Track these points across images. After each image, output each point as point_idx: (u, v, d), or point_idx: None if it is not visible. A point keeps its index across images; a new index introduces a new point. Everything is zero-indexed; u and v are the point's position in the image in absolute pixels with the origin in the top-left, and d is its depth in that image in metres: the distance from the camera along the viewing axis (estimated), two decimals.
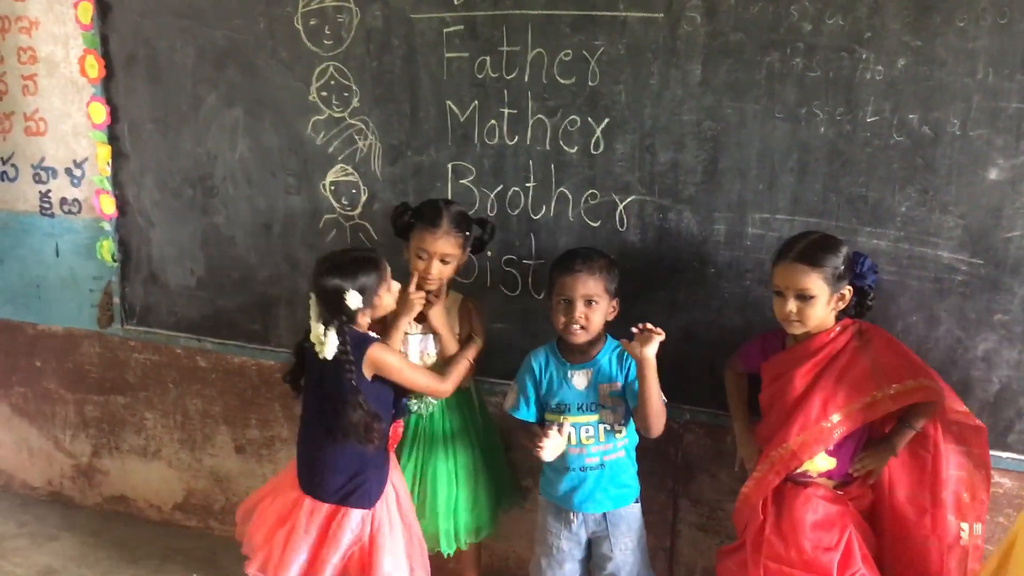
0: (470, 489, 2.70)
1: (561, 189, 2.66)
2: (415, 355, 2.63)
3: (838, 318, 2.29)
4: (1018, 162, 2.25)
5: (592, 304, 2.34)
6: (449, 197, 2.77)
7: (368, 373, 2.37)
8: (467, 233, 2.55)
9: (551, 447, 2.33)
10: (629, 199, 2.60)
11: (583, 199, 2.65)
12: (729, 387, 2.55)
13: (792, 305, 2.20)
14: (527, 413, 2.49)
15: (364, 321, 2.42)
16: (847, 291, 2.24)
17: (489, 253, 2.76)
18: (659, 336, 2.24)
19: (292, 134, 2.90)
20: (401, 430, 2.56)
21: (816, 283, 2.18)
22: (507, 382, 2.65)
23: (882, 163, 2.35)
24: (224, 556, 3.34)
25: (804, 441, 2.23)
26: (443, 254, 2.50)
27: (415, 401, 2.64)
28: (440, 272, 2.52)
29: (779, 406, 2.31)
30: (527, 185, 2.69)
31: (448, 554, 2.69)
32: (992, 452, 2.30)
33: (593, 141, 2.59)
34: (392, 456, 2.54)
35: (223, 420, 3.33)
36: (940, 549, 2.27)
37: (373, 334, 2.43)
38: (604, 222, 2.64)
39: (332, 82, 2.80)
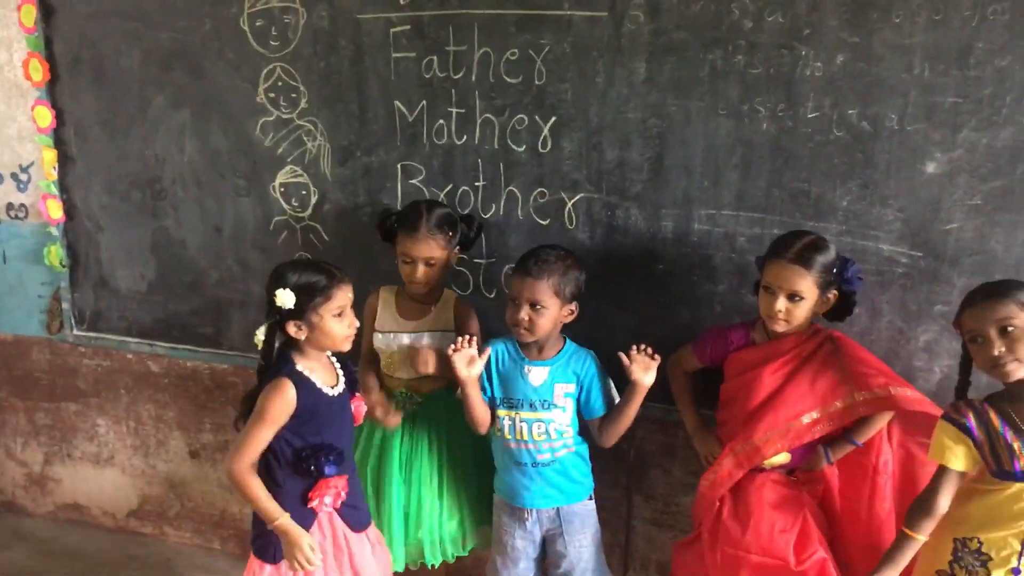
0: (455, 496, 2.66)
1: (510, 188, 2.67)
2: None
3: (815, 320, 2.32)
4: (955, 156, 2.29)
5: (538, 308, 2.34)
6: (399, 197, 2.76)
7: None
8: (451, 233, 2.53)
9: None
10: (577, 197, 2.62)
11: (532, 197, 2.66)
12: (679, 384, 2.56)
13: (781, 304, 2.21)
14: (485, 396, 2.48)
15: (301, 340, 2.17)
16: (832, 295, 2.26)
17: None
18: (656, 363, 2.28)
19: (240, 136, 2.88)
20: (329, 497, 2.23)
21: (808, 285, 2.20)
22: None
23: (823, 158, 2.38)
24: (180, 562, 3.33)
25: (770, 439, 2.25)
26: (426, 257, 2.49)
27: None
28: (426, 275, 2.51)
29: (744, 401, 2.33)
30: (476, 184, 2.70)
31: (433, 565, 2.65)
32: None
33: (541, 140, 2.60)
34: (324, 519, 2.28)
35: (177, 425, 3.30)
36: (889, 535, 2.31)
37: (301, 370, 2.18)
38: (553, 220, 2.66)
39: (280, 83, 2.79)
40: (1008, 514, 2.00)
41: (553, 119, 2.58)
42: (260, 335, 2.20)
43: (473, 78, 2.61)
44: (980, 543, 2.03)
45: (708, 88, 2.43)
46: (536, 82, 2.56)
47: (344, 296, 2.19)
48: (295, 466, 2.19)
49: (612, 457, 2.66)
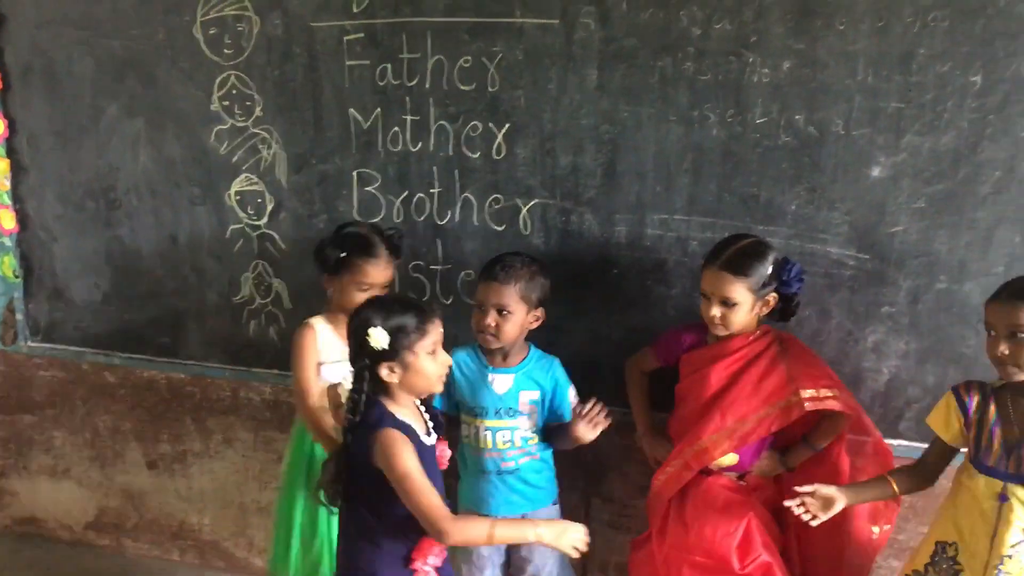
0: None
1: (465, 194, 2.68)
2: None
3: (763, 321, 2.34)
4: (898, 159, 2.34)
5: (504, 314, 2.35)
6: (355, 204, 2.77)
7: (373, 458, 1.92)
8: (399, 256, 2.52)
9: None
10: (532, 203, 2.64)
11: (487, 204, 2.67)
12: (635, 384, 2.58)
13: (716, 310, 2.24)
14: (437, 402, 2.46)
15: (393, 385, 1.98)
16: (772, 298, 2.27)
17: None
18: (605, 425, 2.32)
19: (195, 144, 2.87)
20: (433, 557, 2.00)
21: (739, 291, 2.22)
22: None
23: (772, 163, 2.42)
24: (137, 574, 3.29)
25: (717, 440, 2.27)
26: (384, 282, 2.45)
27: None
28: None
29: (693, 401, 2.36)
30: (432, 191, 2.71)
31: None
32: (885, 440, 2.38)
33: (495, 146, 2.62)
34: None
35: (134, 436, 3.28)
36: (848, 544, 2.34)
37: (401, 419, 1.98)
38: (508, 226, 2.67)
39: (234, 91, 2.79)
40: (978, 511, 2.04)
41: (507, 126, 2.60)
42: (347, 383, 2.00)
43: (427, 85, 2.62)
44: (957, 551, 2.07)
45: (658, 94, 2.46)
46: (490, 89, 2.58)
47: (437, 331, 2.00)
48: (400, 526, 1.94)
49: (570, 461, 2.67)
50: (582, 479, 2.84)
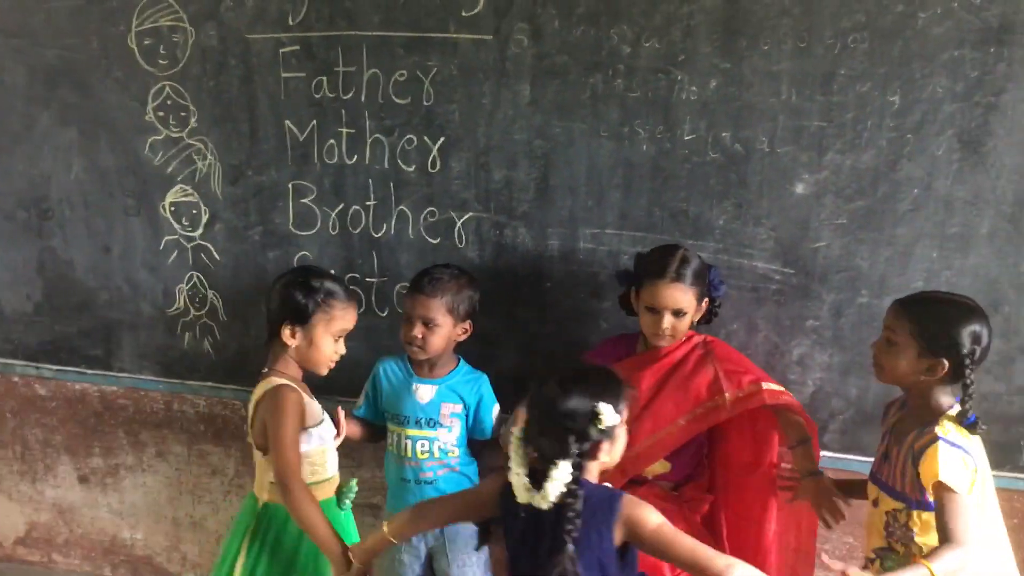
0: None
1: (401, 207, 2.70)
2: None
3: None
4: (821, 177, 2.40)
5: (431, 326, 2.37)
6: (291, 216, 2.77)
7: (618, 536, 1.75)
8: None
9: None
10: (467, 216, 2.66)
11: (422, 217, 2.69)
12: None
13: (668, 322, 2.27)
14: (359, 411, 2.58)
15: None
16: (705, 303, 2.34)
17: (333, 271, 2.77)
18: None
19: (129, 154, 2.85)
20: None
21: (690, 300, 2.27)
22: (352, 399, 2.67)
23: (700, 179, 2.47)
24: None
25: (650, 446, 2.30)
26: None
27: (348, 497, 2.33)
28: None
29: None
30: (367, 203, 2.72)
31: None
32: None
33: (430, 160, 2.64)
34: None
35: (65, 449, 3.23)
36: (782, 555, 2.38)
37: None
38: (444, 239, 2.69)
39: (169, 102, 2.77)
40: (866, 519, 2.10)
41: (442, 139, 2.62)
42: (562, 472, 1.71)
43: (363, 98, 2.64)
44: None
45: (590, 110, 2.49)
46: (425, 103, 2.60)
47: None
48: None
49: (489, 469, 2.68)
50: None
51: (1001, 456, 2.46)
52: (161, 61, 2.75)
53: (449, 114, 2.59)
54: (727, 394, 2.26)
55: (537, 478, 1.74)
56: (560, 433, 1.71)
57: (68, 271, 3.01)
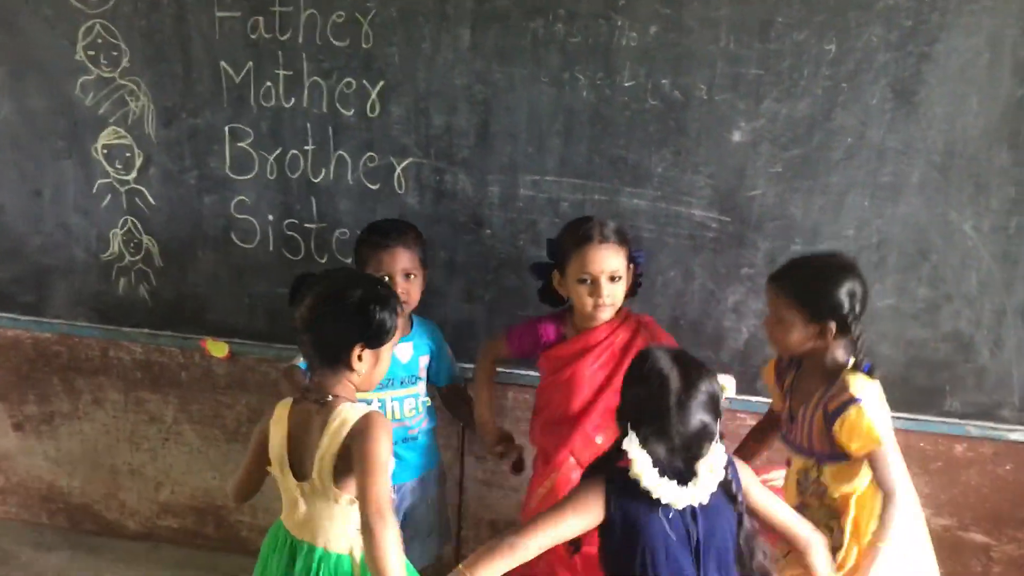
0: None
1: (340, 152, 2.66)
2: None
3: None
4: (758, 125, 2.41)
5: (411, 278, 2.36)
6: (228, 160, 2.72)
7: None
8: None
9: None
10: (406, 162, 2.63)
11: (362, 162, 2.66)
12: (484, 371, 2.50)
13: (608, 288, 2.19)
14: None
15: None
16: (631, 269, 2.28)
17: (270, 218, 2.75)
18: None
19: (59, 95, 2.77)
20: None
21: (623, 262, 2.22)
22: (294, 347, 2.65)
23: (639, 126, 2.47)
24: (5, 538, 3.23)
25: (608, 434, 2.18)
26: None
27: None
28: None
29: (565, 402, 2.30)
30: (306, 148, 2.68)
31: None
32: (741, 396, 2.49)
33: (369, 104, 2.60)
34: None
35: None
36: None
37: None
38: (383, 185, 2.67)
39: (99, 41, 2.70)
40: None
41: (381, 83, 2.58)
42: (716, 456, 1.74)
43: (300, 40, 2.58)
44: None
45: (531, 56, 2.47)
46: (364, 45, 2.55)
47: None
48: None
49: (445, 419, 2.70)
50: (456, 437, 2.87)
51: (926, 401, 2.54)
52: None
53: (388, 58, 2.55)
54: None
55: (671, 474, 1.72)
56: (706, 417, 1.71)
57: None
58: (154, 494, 3.18)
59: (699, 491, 1.71)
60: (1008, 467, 2.60)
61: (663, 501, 1.70)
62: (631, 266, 2.27)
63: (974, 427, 2.55)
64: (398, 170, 2.64)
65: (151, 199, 2.82)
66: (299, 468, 1.84)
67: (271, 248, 2.78)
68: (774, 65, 2.36)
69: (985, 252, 2.41)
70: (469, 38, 2.50)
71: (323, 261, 2.76)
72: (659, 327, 2.40)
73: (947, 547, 2.67)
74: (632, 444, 1.71)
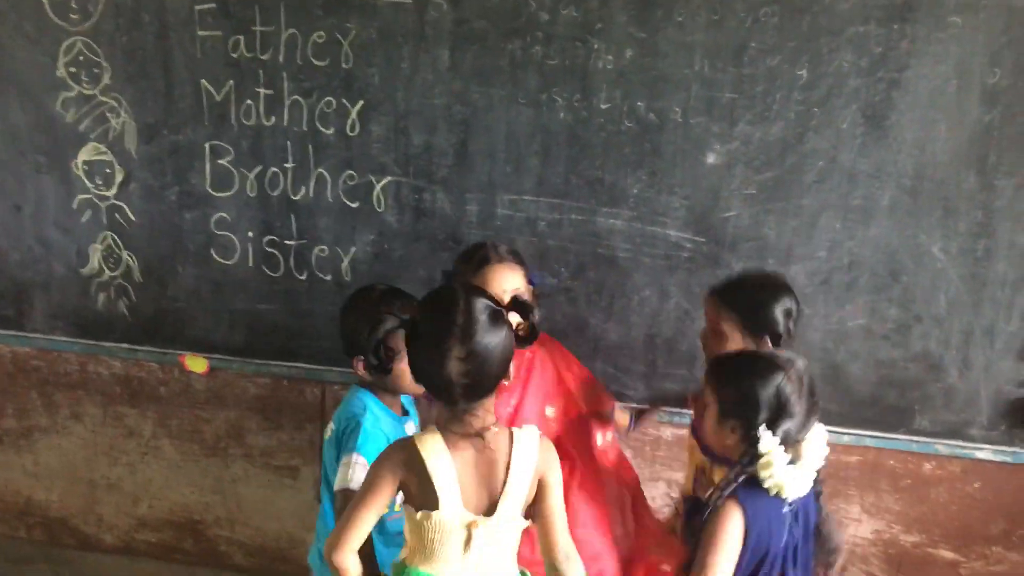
0: None
1: (320, 170, 2.68)
2: None
3: None
4: (732, 147, 2.45)
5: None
6: (208, 177, 2.74)
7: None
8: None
9: None
10: (386, 180, 2.66)
11: (341, 180, 2.68)
12: None
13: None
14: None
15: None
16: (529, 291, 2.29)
17: (250, 234, 2.77)
18: None
19: (40, 111, 2.78)
20: None
21: (522, 280, 2.25)
22: (275, 362, 2.69)
23: (615, 147, 2.51)
24: None
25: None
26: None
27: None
28: None
29: None
30: (286, 166, 2.70)
31: None
32: None
33: (349, 123, 2.63)
34: None
35: None
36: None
37: None
38: (363, 203, 2.69)
39: (81, 58, 2.71)
40: None
41: (361, 103, 2.61)
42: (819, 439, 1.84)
43: (281, 59, 2.61)
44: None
45: (509, 77, 2.51)
46: (344, 65, 2.58)
47: None
48: None
49: None
50: None
51: (896, 420, 2.58)
52: (72, 15, 2.68)
53: (368, 77, 2.58)
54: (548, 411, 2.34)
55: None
56: (813, 401, 1.79)
57: None
58: (132, 508, 3.19)
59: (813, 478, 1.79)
60: (976, 485, 2.64)
61: (791, 496, 1.76)
62: (530, 286, 2.30)
63: (943, 445, 2.59)
64: (377, 188, 2.67)
65: (131, 215, 2.83)
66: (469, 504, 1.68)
67: (251, 264, 2.80)
68: (748, 89, 2.40)
69: (954, 274, 2.46)
70: (448, 59, 2.53)
71: (302, 278, 2.78)
72: (551, 339, 2.45)
73: (916, 564, 2.72)
74: (771, 442, 1.74)
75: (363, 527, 1.66)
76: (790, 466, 1.75)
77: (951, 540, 2.71)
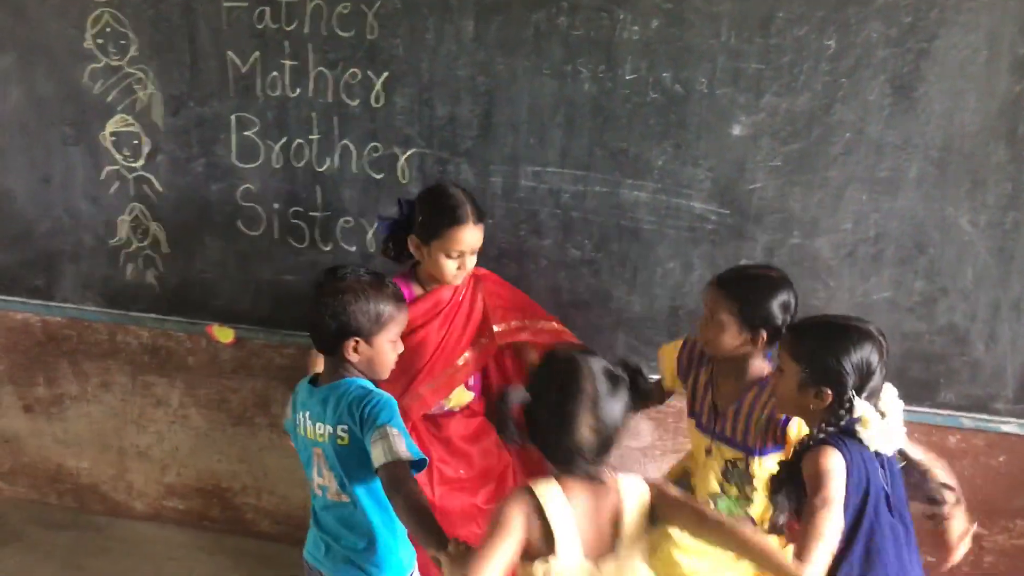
0: None
1: (344, 142, 2.69)
2: None
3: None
4: (758, 119, 2.44)
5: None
6: (234, 149, 2.76)
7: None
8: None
9: None
10: (410, 152, 2.66)
11: (366, 151, 2.69)
12: None
13: (471, 262, 2.33)
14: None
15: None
16: None
17: (276, 206, 2.78)
18: None
19: (68, 82, 2.80)
20: None
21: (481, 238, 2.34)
22: (300, 333, 2.71)
23: (640, 119, 2.50)
24: (14, 517, 3.28)
25: (436, 388, 2.39)
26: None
27: None
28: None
29: (414, 357, 2.35)
30: (311, 137, 2.71)
31: None
32: None
33: (374, 94, 2.63)
34: None
35: (8, 379, 3.22)
36: None
37: None
38: (387, 174, 2.70)
39: (108, 29, 2.73)
40: (700, 455, 2.28)
41: (385, 74, 2.61)
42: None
43: (306, 30, 2.61)
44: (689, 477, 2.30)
45: (533, 48, 2.50)
46: (368, 36, 2.58)
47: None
48: None
49: None
50: None
51: (920, 393, 2.57)
52: None
53: (393, 48, 2.58)
54: (496, 328, 2.39)
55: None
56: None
57: (7, 201, 2.97)
58: (161, 476, 3.24)
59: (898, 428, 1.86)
60: (1001, 459, 2.63)
61: (889, 450, 1.85)
62: None
63: (968, 419, 2.59)
64: (402, 160, 2.68)
65: (158, 186, 2.85)
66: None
67: (276, 236, 2.82)
68: (774, 60, 2.38)
69: (981, 247, 2.44)
70: (472, 29, 2.52)
71: (327, 249, 2.80)
72: (491, 276, 2.50)
73: (940, 537, 2.71)
74: (864, 406, 1.81)
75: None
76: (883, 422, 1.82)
77: (975, 513, 2.66)
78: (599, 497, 1.67)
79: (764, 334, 2.06)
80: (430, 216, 2.31)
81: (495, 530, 1.62)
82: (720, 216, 2.53)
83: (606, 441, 1.62)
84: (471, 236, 2.29)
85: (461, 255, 2.31)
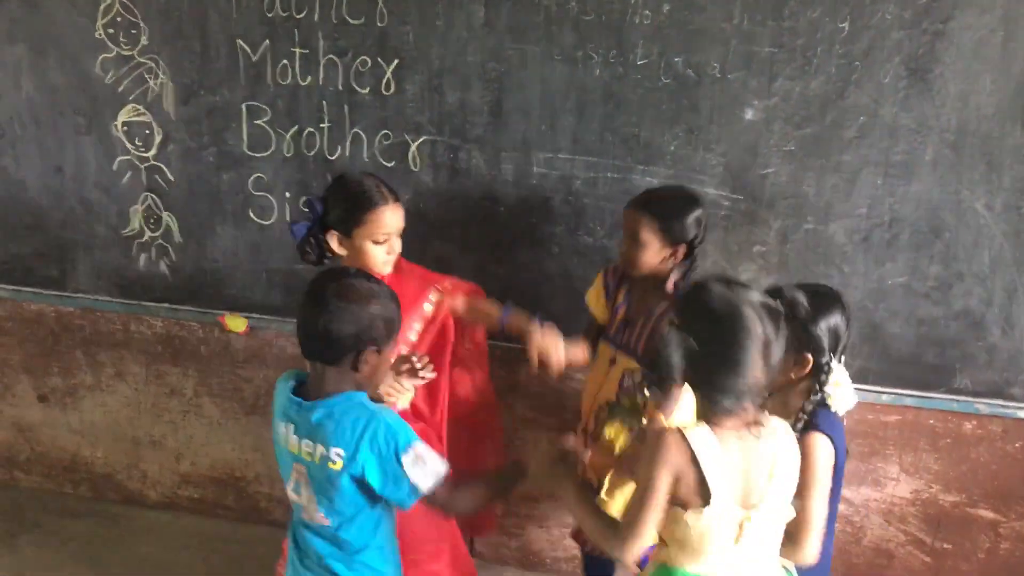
0: None
1: (355, 130, 2.69)
2: None
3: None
4: (771, 103, 2.42)
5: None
6: (245, 138, 2.76)
7: None
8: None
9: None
10: (421, 139, 2.66)
11: (377, 139, 2.69)
12: None
13: (398, 243, 2.21)
14: None
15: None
16: None
17: (287, 194, 2.78)
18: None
19: (80, 72, 2.81)
20: None
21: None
22: None
23: (652, 104, 2.48)
24: (30, 506, 3.29)
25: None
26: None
27: None
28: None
29: None
30: (322, 126, 2.71)
31: None
32: None
33: (384, 82, 2.62)
34: None
35: (23, 369, 3.24)
36: None
37: None
38: (398, 162, 2.69)
39: (119, 19, 2.73)
40: (602, 369, 2.35)
41: (396, 61, 2.60)
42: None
43: (316, 18, 2.61)
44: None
45: (543, 33, 2.49)
46: (378, 24, 2.58)
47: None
48: None
49: None
50: None
51: (936, 379, 2.55)
52: None
53: (403, 35, 2.57)
54: (436, 287, 2.36)
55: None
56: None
57: (20, 191, 2.99)
58: (175, 465, 3.25)
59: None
60: (1017, 444, 2.61)
61: (846, 409, 1.91)
62: None
63: (984, 405, 2.56)
64: (413, 148, 2.67)
65: (170, 176, 2.86)
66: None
67: (288, 224, 2.81)
68: (787, 43, 2.36)
69: (997, 231, 2.41)
70: (482, 15, 2.51)
71: None
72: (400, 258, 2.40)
73: (955, 523, 2.70)
74: (840, 369, 1.88)
75: (653, 527, 1.62)
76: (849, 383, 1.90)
77: (991, 500, 2.69)
78: (757, 441, 1.62)
79: (682, 249, 2.17)
80: (346, 206, 2.19)
81: (646, 494, 1.58)
82: (733, 201, 2.52)
83: (771, 377, 1.60)
84: (392, 217, 2.17)
85: (387, 237, 2.18)
